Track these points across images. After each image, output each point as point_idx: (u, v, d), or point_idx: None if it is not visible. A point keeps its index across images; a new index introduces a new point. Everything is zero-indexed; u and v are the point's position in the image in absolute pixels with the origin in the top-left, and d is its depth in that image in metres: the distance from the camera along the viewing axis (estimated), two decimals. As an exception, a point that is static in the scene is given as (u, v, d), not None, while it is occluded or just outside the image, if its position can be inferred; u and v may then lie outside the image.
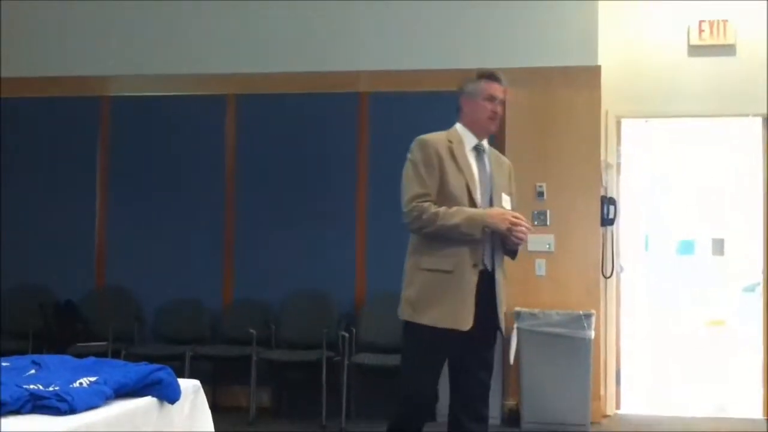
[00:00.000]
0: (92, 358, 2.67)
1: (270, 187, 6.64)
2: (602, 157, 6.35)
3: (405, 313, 3.58)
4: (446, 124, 6.52)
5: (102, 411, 2.32)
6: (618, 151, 6.61)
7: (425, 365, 3.54)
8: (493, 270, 3.55)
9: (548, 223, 6.27)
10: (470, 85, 3.67)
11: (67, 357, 2.72)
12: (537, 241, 6.25)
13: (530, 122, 6.36)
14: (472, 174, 3.56)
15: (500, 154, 3.85)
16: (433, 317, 3.46)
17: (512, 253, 3.66)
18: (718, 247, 9.69)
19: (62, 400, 2.23)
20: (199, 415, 2.80)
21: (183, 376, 2.99)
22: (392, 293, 6.22)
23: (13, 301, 6.63)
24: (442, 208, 3.46)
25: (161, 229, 6.70)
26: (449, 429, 3.65)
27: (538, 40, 6.36)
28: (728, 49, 6.44)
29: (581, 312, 5.88)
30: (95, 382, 2.39)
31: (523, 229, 3.47)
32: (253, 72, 6.65)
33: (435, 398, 3.67)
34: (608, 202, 6.36)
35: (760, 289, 6.57)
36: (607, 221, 6.35)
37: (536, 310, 5.97)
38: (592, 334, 5.85)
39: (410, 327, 3.55)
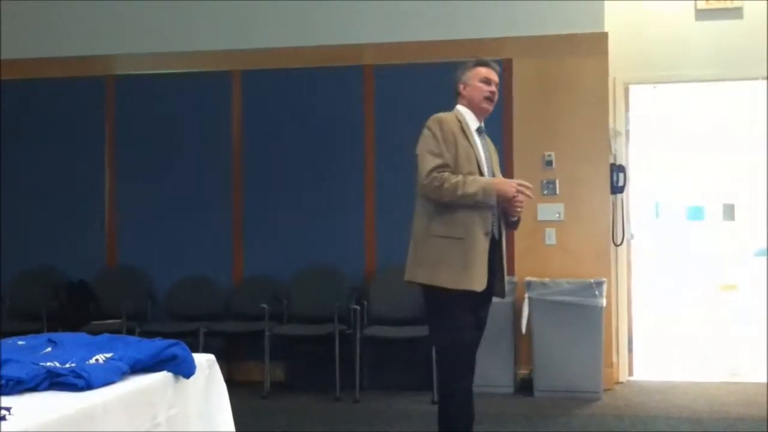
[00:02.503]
0: (107, 335, 2.67)
1: (277, 162, 6.64)
2: (611, 125, 6.33)
3: (418, 275, 3.79)
4: (452, 94, 6.47)
5: (118, 387, 2.32)
6: (626, 117, 6.58)
7: (452, 322, 3.73)
8: (500, 238, 3.82)
9: (557, 191, 6.26)
10: (466, 72, 3.95)
11: (82, 334, 2.72)
12: (546, 210, 6.25)
13: (538, 91, 6.33)
14: (479, 151, 3.82)
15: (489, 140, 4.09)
16: (447, 279, 3.68)
17: (513, 224, 3.93)
18: (729, 212, 9.63)
19: (79, 376, 2.23)
20: (215, 389, 2.81)
21: (197, 352, 3.00)
22: (402, 265, 6.25)
23: (26, 282, 6.68)
24: (461, 177, 3.68)
25: (170, 207, 6.71)
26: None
27: (544, 8, 6.32)
28: (735, 12, 6.38)
29: (592, 280, 5.88)
30: (111, 359, 2.40)
31: (523, 198, 3.74)
32: (258, 47, 6.63)
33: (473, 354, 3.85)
34: (617, 169, 6.34)
35: (771, 253, 6.55)
36: (616, 189, 6.34)
37: (547, 279, 5.98)
38: (604, 301, 5.86)
39: (427, 289, 3.78)
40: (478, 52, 6.32)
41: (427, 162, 3.73)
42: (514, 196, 3.73)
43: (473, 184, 3.67)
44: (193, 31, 6.73)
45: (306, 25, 6.61)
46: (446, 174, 3.68)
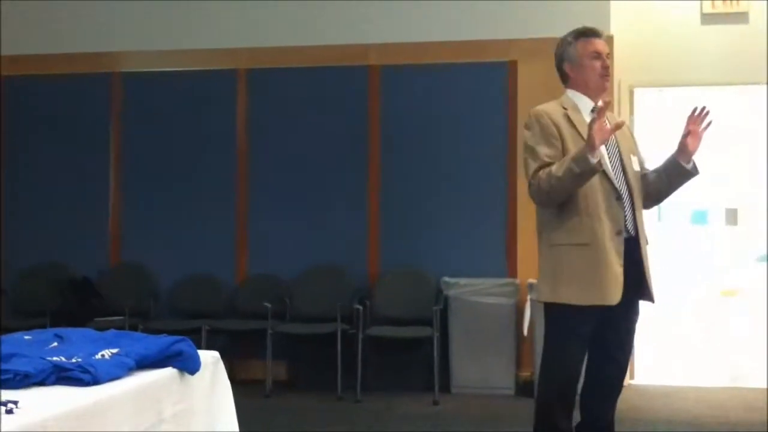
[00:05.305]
0: (113, 331, 2.69)
1: (282, 160, 6.65)
2: (615, 128, 6.31)
3: (541, 294, 3.39)
4: (457, 96, 6.52)
5: (125, 382, 2.33)
6: (631, 121, 6.57)
7: (567, 347, 3.36)
8: (637, 235, 3.37)
9: (561, 194, 6.25)
10: (569, 50, 3.48)
11: (89, 330, 2.73)
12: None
13: (543, 94, 6.20)
14: None
15: (612, 113, 3.61)
16: (573, 294, 3.26)
17: (686, 172, 3.54)
18: (732, 217, 9.62)
19: (85, 371, 2.24)
20: (219, 386, 2.82)
21: (200, 350, 3.01)
22: (405, 265, 6.32)
23: (30, 278, 6.70)
24: (553, 166, 3.23)
25: (175, 205, 6.73)
26: (581, 411, 3.51)
27: (549, 10, 6.32)
28: (741, 17, 6.40)
29: (595, 283, 5.87)
30: (117, 354, 2.41)
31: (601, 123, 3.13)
32: (263, 46, 6.64)
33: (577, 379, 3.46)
34: (621, 172, 6.32)
35: (773, 259, 6.55)
36: (620, 192, 6.32)
37: (550, 282, 5.96)
38: (606, 304, 5.84)
39: (548, 308, 3.38)
40: (483, 54, 6.39)
41: (529, 168, 3.30)
42: (591, 126, 3.11)
43: (562, 163, 3.16)
44: (199, 28, 6.74)
45: (312, 25, 6.62)
46: (541, 173, 3.24)
